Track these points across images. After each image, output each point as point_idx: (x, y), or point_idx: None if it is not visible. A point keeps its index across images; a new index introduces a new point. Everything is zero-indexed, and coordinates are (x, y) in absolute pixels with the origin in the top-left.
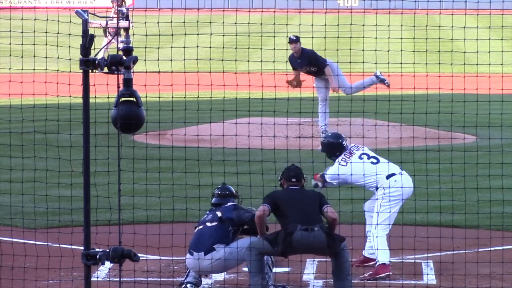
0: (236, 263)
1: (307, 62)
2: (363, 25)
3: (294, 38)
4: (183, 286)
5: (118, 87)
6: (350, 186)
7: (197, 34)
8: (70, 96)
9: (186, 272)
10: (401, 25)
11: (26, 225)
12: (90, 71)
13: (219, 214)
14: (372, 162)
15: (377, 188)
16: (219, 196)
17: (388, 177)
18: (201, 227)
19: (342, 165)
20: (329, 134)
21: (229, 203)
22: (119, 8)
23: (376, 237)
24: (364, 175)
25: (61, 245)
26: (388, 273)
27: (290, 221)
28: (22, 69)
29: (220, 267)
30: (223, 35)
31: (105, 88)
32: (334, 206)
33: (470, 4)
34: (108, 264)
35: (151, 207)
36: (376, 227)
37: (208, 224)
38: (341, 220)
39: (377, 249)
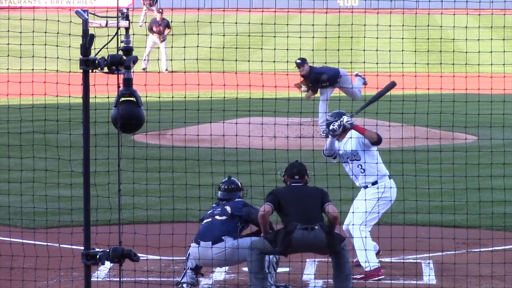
0: (237, 260)
1: (317, 82)
2: (364, 25)
3: (300, 61)
4: (179, 286)
5: (118, 87)
6: (351, 187)
7: (197, 34)
8: (69, 96)
9: (184, 270)
10: (403, 25)
11: (25, 225)
12: (90, 71)
13: (228, 209)
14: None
15: (372, 184)
16: (225, 191)
17: (390, 177)
18: (210, 219)
19: None
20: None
21: (237, 199)
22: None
23: (365, 237)
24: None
25: (61, 245)
26: (381, 276)
27: (290, 220)
28: (20, 69)
29: (221, 261)
30: (224, 35)
31: (105, 88)
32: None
33: (472, 4)
34: (108, 264)
35: (151, 207)
36: (359, 227)
37: (218, 217)
38: (342, 221)
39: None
